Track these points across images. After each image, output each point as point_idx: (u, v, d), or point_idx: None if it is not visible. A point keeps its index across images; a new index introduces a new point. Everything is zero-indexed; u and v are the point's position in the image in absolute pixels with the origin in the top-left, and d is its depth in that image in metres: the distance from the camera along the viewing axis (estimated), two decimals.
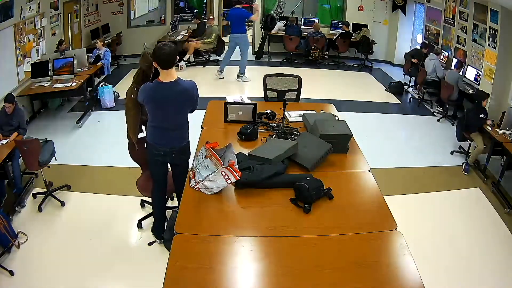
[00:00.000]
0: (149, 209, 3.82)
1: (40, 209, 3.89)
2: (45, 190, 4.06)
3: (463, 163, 5.01)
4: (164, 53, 2.67)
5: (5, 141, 3.98)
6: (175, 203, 3.86)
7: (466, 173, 4.83)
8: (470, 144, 5.15)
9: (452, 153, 5.37)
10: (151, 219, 3.65)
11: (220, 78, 7.94)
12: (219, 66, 8.16)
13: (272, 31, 9.28)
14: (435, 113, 6.74)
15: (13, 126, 4.22)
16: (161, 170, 3.16)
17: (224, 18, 8.31)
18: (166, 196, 3.59)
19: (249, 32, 11.25)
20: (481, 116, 4.84)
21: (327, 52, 9.36)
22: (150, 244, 3.41)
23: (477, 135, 4.86)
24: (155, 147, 3.00)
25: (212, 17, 8.99)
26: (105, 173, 4.60)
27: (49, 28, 6.41)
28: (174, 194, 3.77)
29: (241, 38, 7.65)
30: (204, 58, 9.03)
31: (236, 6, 7.67)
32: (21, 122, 4.31)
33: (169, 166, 3.20)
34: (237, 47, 7.72)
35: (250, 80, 7.81)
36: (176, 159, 3.08)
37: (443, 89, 6.35)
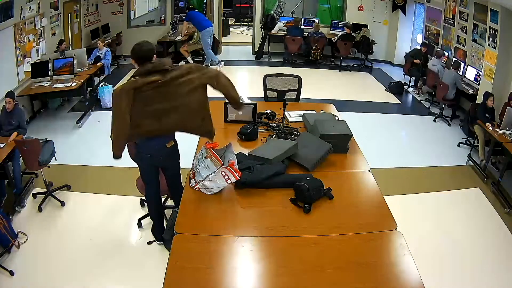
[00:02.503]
0: None
1: (40, 209, 3.89)
2: (45, 190, 4.06)
3: (468, 157, 5.15)
4: (141, 49, 2.73)
5: (3, 145, 3.96)
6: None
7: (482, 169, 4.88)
8: (476, 137, 5.19)
9: (459, 145, 5.56)
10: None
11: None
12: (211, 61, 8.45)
13: (273, 31, 9.28)
14: (435, 114, 6.74)
15: (13, 126, 4.23)
16: (151, 172, 3.09)
17: (183, 19, 8.72)
18: (166, 195, 3.59)
19: (249, 32, 11.35)
20: (486, 115, 4.99)
21: (333, 59, 9.31)
22: (149, 243, 3.41)
23: (478, 128, 4.98)
24: (142, 147, 2.93)
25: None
26: (105, 173, 4.60)
27: (49, 28, 6.41)
28: None
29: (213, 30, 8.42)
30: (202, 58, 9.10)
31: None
32: (21, 122, 4.31)
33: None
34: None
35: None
36: (165, 162, 3.02)
37: (439, 89, 6.37)
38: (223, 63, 8.45)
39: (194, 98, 2.71)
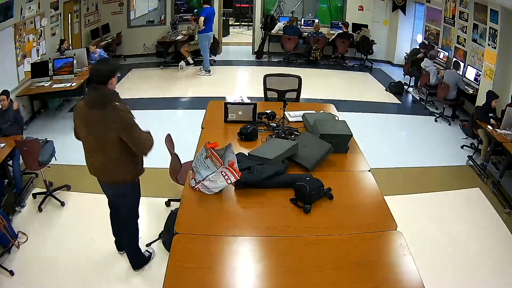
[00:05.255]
0: (155, 210, 3.81)
1: (40, 209, 3.89)
2: (45, 190, 4.06)
3: (468, 157, 5.14)
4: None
5: (3, 145, 3.96)
6: (174, 204, 3.87)
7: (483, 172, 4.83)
8: (479, 140, 5.18)
9: (462, 147, 5.52)
10: (152, 218, 3.66)
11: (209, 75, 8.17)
12: (202, 65, 8.28)
13: (272, 31, 9.29)
14: (433, 113, 6.74)
15: (10, 122, 4.22)
16: None
17: (197, 16, 8.14)
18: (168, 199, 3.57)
19: (249, 32, 11.36)
20: (490, 114, 4.96)
21: (333, 56, 9.36)
22: (148, 245, 3.41)
23: (482, 132, 4.94)
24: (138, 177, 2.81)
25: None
26: None
27: (49, 28, 6.42)
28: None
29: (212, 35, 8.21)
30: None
31: (208, 5, 7.88)
32: (18, 118, 4.28)
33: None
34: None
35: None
36: None
37: (439, 89, 6.37)
38: (210, 74, 8.20)
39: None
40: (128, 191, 2.77)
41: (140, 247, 3.20)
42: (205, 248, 1.96)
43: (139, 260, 3.18)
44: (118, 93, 2.52)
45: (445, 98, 6.26)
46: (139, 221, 3.17)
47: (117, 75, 2.50)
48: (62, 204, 3.99)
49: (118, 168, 2.57)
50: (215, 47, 9.12)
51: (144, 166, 2.80)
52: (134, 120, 2.47)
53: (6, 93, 4.29)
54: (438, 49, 7.67)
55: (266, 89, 4.27)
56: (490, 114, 4.97)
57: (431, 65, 6.86)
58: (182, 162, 3.45)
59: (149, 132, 2.60)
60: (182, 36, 8.85)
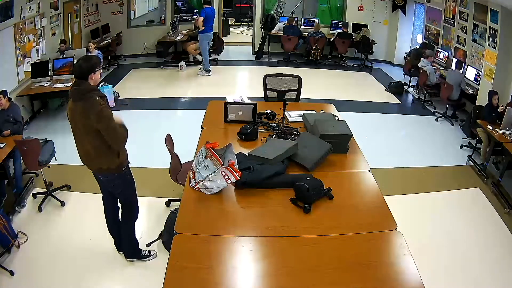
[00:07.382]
0: (155, 210, 3.81)
1: (40, 209, 3.89)
2: (45, 190, 4.06)
3: (468, 157, 5.14)
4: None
5: (3, 144, 3.96)
6: (174, 204, 3.87)
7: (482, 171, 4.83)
8: (477, 139, 5.18)
9: (461, 147, 5.51)
10: (152, 218, 3.65)
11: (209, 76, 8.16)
12: (202, 65, 8.24)
13: (272, 31, 9.29)
14: (436, 113, 6.74)
15: (11, 122, 4.21)
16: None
17: (198, 16, 8.08)
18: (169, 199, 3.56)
19: (249, 32, 11.36)
20: (493, 114, 4.98)
21: (330, 57, 9.41)
22: (148, 245, 3.40)
23: (482, 132, 4.93)
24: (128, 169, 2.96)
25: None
26: None
27: (49, 28, 6.42)
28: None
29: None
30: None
31: (208, 6, 7.85)
32: (17, 116, 4.28)
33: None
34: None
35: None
36: None
37: (443, 89, 6.36)
38: (210, 74, 8.18)
39: None
40: (115, 179, 2.88)
41: (138, 241, 3.27)
42: (205, 248, 1.96)
43: (135, 250, 3.22)
44: (98, 89, 2.68)
45: (449, 98, 6.25)
46: (139, 221, 3.20)
47: (97, 70, 2.61)
48: (62, 204, 3.99)
49: (100, 157, 2.72)
50: (219, 46, 9.10)
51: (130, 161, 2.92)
52: (111, 113, 2.60)
53: (3, 93, 4.27)
54: (438, 49, 7.67)
55: (266, 89, 4.27)
56: (493, 114, 4.97)
57: (428, 65, 6.87)
58: (182, 162, 3.45)
59: (125, 127, 2.74)
60: (182, 36, 8.85)
